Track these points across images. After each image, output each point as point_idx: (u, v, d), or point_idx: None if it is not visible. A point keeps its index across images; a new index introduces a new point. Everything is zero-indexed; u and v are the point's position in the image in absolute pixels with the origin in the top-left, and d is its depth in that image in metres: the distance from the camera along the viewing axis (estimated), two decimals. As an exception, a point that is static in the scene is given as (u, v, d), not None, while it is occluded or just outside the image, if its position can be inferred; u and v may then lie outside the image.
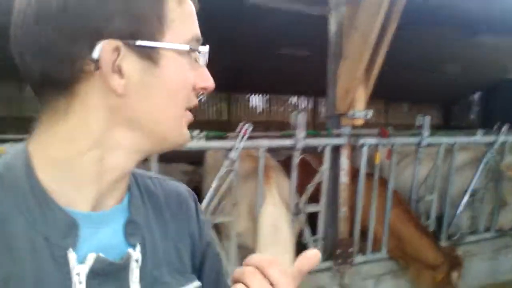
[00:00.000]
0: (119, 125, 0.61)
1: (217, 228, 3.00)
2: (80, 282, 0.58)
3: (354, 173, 3.32)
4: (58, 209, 0.59)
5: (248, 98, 12.49)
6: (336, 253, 3.23)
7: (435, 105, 13.41)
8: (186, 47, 0.62)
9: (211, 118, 11.87)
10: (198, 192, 3.37)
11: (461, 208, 3.86)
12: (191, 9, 0.65)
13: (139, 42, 0.58)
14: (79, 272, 0.58)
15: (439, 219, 3.84)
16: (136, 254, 0.65)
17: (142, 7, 0.58)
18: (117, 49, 0.57)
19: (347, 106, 3.07)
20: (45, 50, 0.56)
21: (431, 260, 3.23)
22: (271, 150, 3.09)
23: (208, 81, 0.67)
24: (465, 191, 3.86)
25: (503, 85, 10.82)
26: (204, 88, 0.67)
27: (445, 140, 3.62)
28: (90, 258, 0.59)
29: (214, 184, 2.74)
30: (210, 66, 0.70)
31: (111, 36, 0.57)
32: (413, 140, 3.48)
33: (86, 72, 0.57)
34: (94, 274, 0.59)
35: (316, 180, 3.10)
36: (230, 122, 11.61)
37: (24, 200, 0.58)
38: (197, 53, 0.65)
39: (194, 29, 0.65)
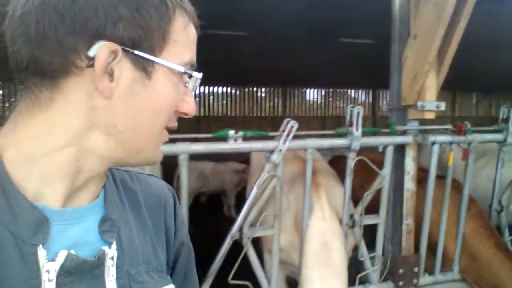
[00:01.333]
0: (97, 127, 0.60)
1: (258, 241, 2.56)
2: (50, 280, 0.57)
3: (419, 177, 2.76)
4: (28, 204, 0.58)
5: (304, 92, 11.90)
6: (398, 273, 2.69)
7: (510, 95, 12.11)
8: (182, 69, 0.63)
9: (266, 114, 11.39)
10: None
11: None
12: (194, 36, 0.67)
13: (138, 52, 0.59)
14: (49, 269, 0.57)
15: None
16: (111, 251, 0.64)
17: (150, 20, 0.60)
18: (114, 53, 0.58)
19: (415, 96, 2.50)
20: (43, 36, 0.56)
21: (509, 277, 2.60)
22: (321, 150, 2.59)
23: (190, 108, 0.68)
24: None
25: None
26: (185, 113, 0.68)
27: (535, 136, 2.95)
28: (61, 256, 0.58)
29: (254, 191, 2.28)
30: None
31: (112, 39, 0.57)
32: (496, 137, 2.84)
33: (77, 67, 0.57)
34: (66, 272, 0.58)
35: (375, 186, 2.57)
36: (284, 118, 11.00)
37: None
38: (188, 78, 0.66)
39: (192, 54, 0.66)
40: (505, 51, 6.33)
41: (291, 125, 2.23)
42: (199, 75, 0.66)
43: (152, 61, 0.60)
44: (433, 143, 2.62)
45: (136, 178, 0.79)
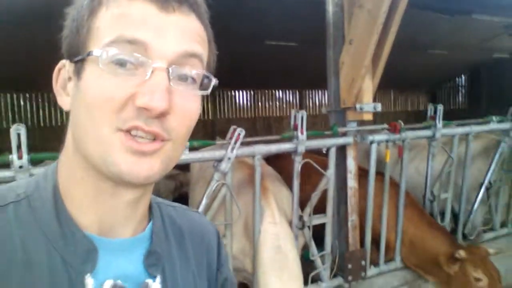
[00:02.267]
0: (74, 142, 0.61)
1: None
2: None
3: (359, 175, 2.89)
4: (79, 233, 0.59)
5: (233, 95, 12.06)
6: (348, 267, 2.81)
7: (422, 91, 13.14)
8: (98, 52, 0.55)
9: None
10: (186, 202, 2.89)
11: (476, 204, 3.48)
12: (125, 10, 0.56)
13: (74, 58, 0.59)
14: None
15: (454, 218, 3.46)
16: (155, 285, 0.64)
17: (78, 21, 0.58)
18: (65, 68, 0.61)
19: (353, 99, 2.62)
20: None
21: (444, 249, 2.79)
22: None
23: (144, 98, 0.54)
24: (480, 185, 3.48)
25: (489, 65, 10.64)
26: (143, 108, 0.54)
27: (459, 130, 3.22)
28: (107, 285, 0.59)
29: (203, 201, 2.26)
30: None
31: (64, 56, 0.61)
32: (426, 133, 3.06)
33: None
34: None
35: (321, 186, 2.65)
36: (214, 121, 11.20)
37: (48, 222, 0.58)
38: (139, 60, 0.55)
39: (119, 29, 0.55)
40: (417, 53, 6.99)
41: (238, 132, 2.24)
42: (114, 51, 0.55)
43: (80, 61, 0.57)
44: (372, 142, 2.77)
45: (182, 214, 0.78)
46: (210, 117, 11.65)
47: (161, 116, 0.56)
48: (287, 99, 12.88)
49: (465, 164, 3.34)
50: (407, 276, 3.13)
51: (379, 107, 2.65)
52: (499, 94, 10.22)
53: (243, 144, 2.29)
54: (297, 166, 2.50)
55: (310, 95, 13.02)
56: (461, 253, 2.65)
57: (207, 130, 11.17)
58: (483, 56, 9.51)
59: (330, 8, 2.77)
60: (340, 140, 2.66)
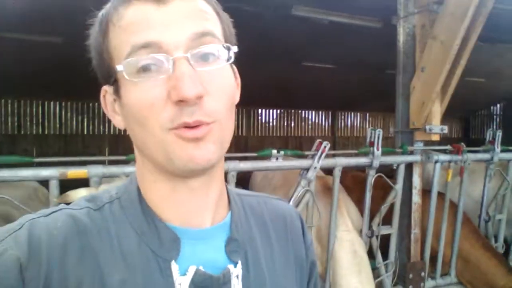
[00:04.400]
0: (139, 152, 0.67)
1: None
2: None
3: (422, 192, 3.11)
4: (162, 226, 0.65)
5: (266, 113, 12.38)
6: (408, 277, 3.01)
7: (455, 117, 13.22)
8: (121, 68, 0.59)
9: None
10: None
11: (528, 228, 3.63)
12: (128, 18, 0.59)
13: (109, 82, 0.64)
14: (181, 282, 0.61)
15: (505, 242, 3.61)
16: (236, 270, 0.66)
17: (98, 48, 0.63)
18: (108, 92, 0.66)
19: (422, 121, 2.87)
20: None
21: (500, 281, 2.99)
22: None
23: (176, 91, 0.56)
24: (532, 210, 3.64)
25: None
26: (179, 101, 0.57)
27: (516, 156, 3.41)
28: (191, 271, 0.62)
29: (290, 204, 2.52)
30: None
31: (102, 82, 0.66)
32: (484, 156, 3.27)
33: None
34: (196, 286, 0.62)
35: (390, 200, 2.89)
36: (247, 137, 11.49)
37: (136, 218, 0.65)
38: (170, 66, 0.57)
39: (130, 39, 0.58)
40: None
41: (324, 145, 2.51)
42: (133, 61, 0.58)
43: (115, 81, 0.62)
44: (436, 162, 2.99)
45: (263, 203, 0.81)
46: (243, 133, 12.02)
47: (198, 101, 0.57)
48: (319, 120, 13.16)
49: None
50: (461, 291, 3.30)
51: (445, 129, 2.88)
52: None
53: (327, 156, 2.56)
54: (370, 179, 2.75)
55: (342, 117, 13.25)
56: None
57: (239, 146, 11.52)
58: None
59: (401, 38, 3.05)
60: (409, 158, 2.90)
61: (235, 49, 0.63)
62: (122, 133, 10.42)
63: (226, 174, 2.34)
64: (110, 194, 0.68)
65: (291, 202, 2.54)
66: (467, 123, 13.62)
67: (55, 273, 0.57)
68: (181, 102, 0.56)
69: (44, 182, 2.06)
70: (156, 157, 0.61)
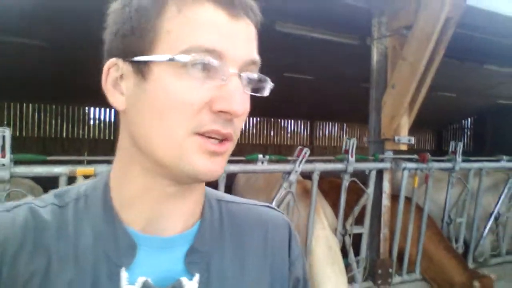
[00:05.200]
0: (132, 141, 0.63)
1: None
2: None
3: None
4: (121, 228, 0.62)
5: (247, 121, 12.65)
6: (378, 273, 3.32)
7: (429, 130, 13.84)
8: (165, 57, 0.57)
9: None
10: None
11: (486, 231, 4.01)
12: (197, 15, 0.57)
13: (133, 58, 0.59)
14: None
15: (465, 244, 3.99)
16: (192, 284, 0.63)
17: (138, 21, 0.59)
18: (116, 66, 0.61)
19: (392, 132, 3.21)
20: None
21: (459, 279, 3.33)
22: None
23: (226, 103, 0.57)
24: (490, 215, 4.03)
25: (493, 110, 11.32)
26: (223, 112, 0.58)
27: (475, 165, 3.80)
28: (139, 281, 0.60)
29: (273, 204, 2.81)
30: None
31: (114, 54, 0.61)
32: (448, 165, 3.63)
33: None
34: None
35: (362, 202, 3.21)
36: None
37: (96, 217, 0.63)
38: (215, 66, 0.57)
39: (196, 37, 0.57)
40: (428, 94, 7.61)
41: (305, 151, 2.81)
42: (195, 58, 0.56)
43: (146, 62, 0.58)
44: (404, 169, 3.34)
45: (247, 210, 0.77)
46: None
47: (235, 118, 0.60)
48: (298, 129, 13.54)
49: (477, 195, 3.90)
50: (425, 287, 3.64)
51: (412, 140, 3.23)
52: (502, 138, 10.87)
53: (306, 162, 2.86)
54: (345, 183, 3.07)
55: (321, 127, 13.67)
56: (476, 286, 3.18)
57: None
58: (488, 101, 10.21)
59: (375, 57, 3.40)
60: (380, 165, 3.24)
61: (270, 83, 0.65)
62: (102, 137, 10.59)
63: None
64: (79, 191, 0.67)
65: (273, 203, 2.83)
66: (440, 135, 14.25)
67: (5, 268, 0.58)
68: (221, 113, 0.58)
69: (53, 179, 2.29)
70: (162, 156, 0.59)
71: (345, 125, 13.81)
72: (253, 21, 0.63)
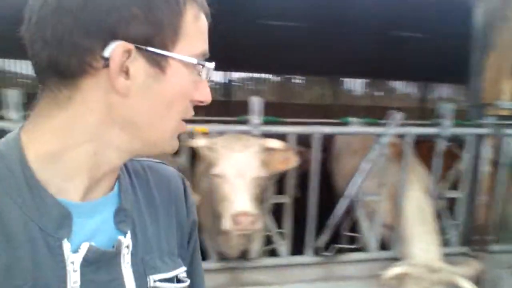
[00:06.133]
0: (115, 123, 0.63)
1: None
2: (74, 270, 0.61)
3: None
4: (52, 200, 0.61)
5: (343, 82, 12.30)
6: (474, 239, 3.32)
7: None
8: (194, 61, 0.65)
9: (313, 102, 11.82)
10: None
11: None
12: (205, 26, 0.69)
13: (151, 49, 0.61)
14: (73, 261, 0.61)
15: None
16: (126, 240, 0.68)
17: (162, 16, 0.61)
18: (128, 52, 0.60)
19: (493, 97, 3.13)
20: (59, 39, 0.57)
21: None
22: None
23: (206, 96, 0.70)
24: None
25: None
26: (200, 101, 0.70)
27: None
28: (84, 248, 0.62)
29: (366, 166, 2.99)
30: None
31: (126, 39, 0.59)
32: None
33: (94, 67, 0.59)
34: (88, 262, 0.63)
35: (458, 167, 3.22)
36: (333, 106, 11.30)
37: (18, 190, 0.59)
38: (201, 67, 0.67)
39: (204, 45, 0.68)
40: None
41: (397, 115, 2.92)
42: (212, 65, 0.68)
43: (166, 56, 0.62)
44: (505, 135, 3.24)
45: (148, 168, 0.82)
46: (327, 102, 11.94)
47: None
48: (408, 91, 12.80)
49: None
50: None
51: (515, 105, 3.11)
52: None
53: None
54: (440, 148, 3.11)
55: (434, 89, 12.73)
56: None
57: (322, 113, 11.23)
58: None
59: (480, 18, 3.29)
60: (480, 130, 3.19)
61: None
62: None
63: (311, 136, 2.85)
64: None
65: (365, 164, 3.01)
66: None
67: None
68: (196, 102, 0.71)
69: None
70: (155, 138, 0.67)
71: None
72: None
